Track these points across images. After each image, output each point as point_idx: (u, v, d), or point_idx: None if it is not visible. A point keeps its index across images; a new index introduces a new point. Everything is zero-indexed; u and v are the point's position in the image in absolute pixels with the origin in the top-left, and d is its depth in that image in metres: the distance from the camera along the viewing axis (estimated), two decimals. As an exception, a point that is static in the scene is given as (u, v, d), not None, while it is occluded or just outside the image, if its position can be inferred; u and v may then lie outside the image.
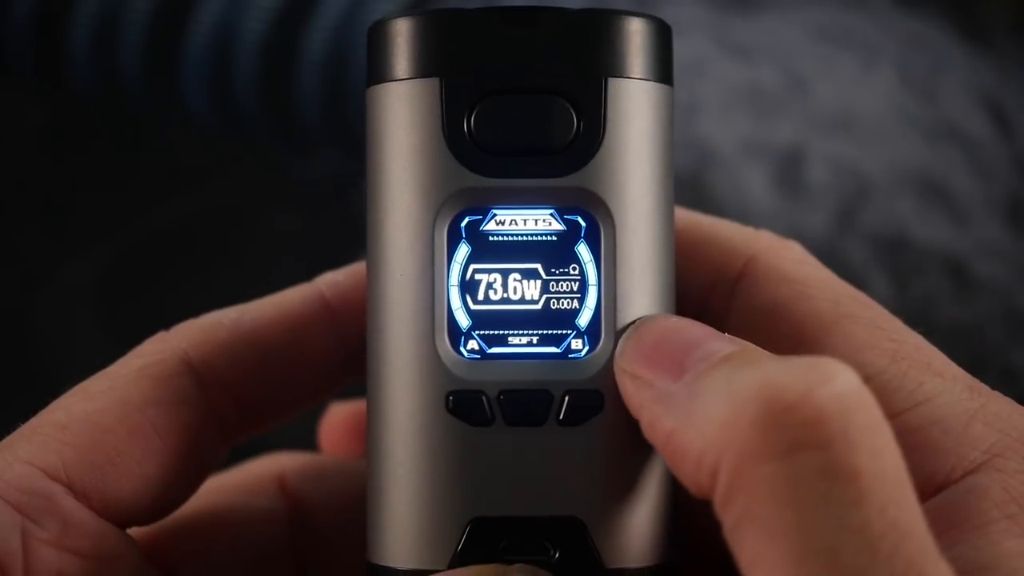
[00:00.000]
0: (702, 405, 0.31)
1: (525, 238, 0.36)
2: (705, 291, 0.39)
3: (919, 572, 0.28)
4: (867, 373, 0.35)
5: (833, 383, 0.30)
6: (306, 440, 0.47)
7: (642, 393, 0.33)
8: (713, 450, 0.30)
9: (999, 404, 0.35)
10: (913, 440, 0.34)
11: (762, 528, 0.29)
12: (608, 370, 0.35)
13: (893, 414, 0.35)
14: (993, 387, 0.36)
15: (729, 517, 0.30)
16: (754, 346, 0.33)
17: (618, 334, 0.35)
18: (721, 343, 0.33)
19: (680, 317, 0.35)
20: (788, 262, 0.38)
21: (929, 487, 0.34)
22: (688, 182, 0.75)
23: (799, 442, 0.29)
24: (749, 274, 0.38)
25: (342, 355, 0.39)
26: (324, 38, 0.76)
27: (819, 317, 0.37)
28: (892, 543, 0.28)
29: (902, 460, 0.30)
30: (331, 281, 0.40)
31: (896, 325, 0.37)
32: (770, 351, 0.37)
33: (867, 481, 0.29)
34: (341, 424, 0.46)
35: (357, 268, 0.40)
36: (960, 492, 0.33)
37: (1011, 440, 0.34)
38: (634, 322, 0.35)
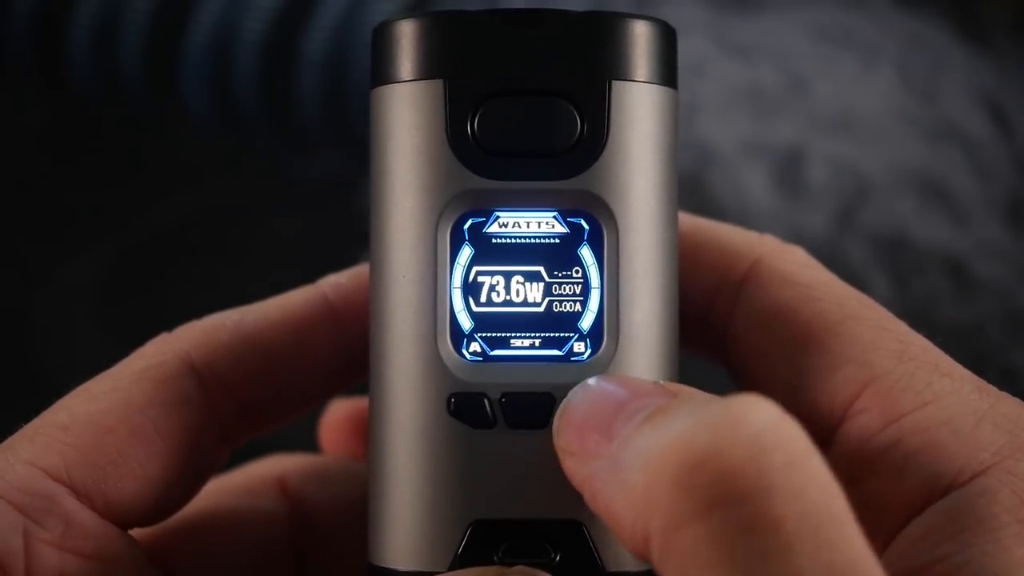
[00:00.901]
0: (627, 475, 0.30)
1: (528, 240, 0.36)
2: (708, 295, 0.39)
3: None
4: (874, 373, 0.35)
5: (744, 427, 0.29)
6: (307, 441, 0.47)
7: (580, 470, 0.32)
8: (641, 519, 0.29)
9: (1008, 405, 0.35)
10: (921, 440, 0.34)
11: None
12: (611, 373, 0.35)
13: (901, 414, 0.34)
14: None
15: None
16: (684, 394, 0.32)
17: (621, 337, 0.35)
18: (645, 400, 0.32)
19: (609, 378, 0.34)
20: (792, 265, 0.38)
21: (937, 487, 0.34)
22: (688, 182, 0.75)
23: (715, 500, 0.28)
24: (753, 277, 0.38)
25: (345, 357, 0.39)
26: (324, 38, 0.76)
27: (824, 319, 0.37)
28: None
29: (836, 490, 0.29)
30: (334, 283, 0.40)
31: (902, 327, 0.37)
32: (776, 354, 0.37)
33: (792, 527, 0.28)
34: (341, 421, 0.46)
35: (360, 270, 0.40)
36: (969, 494, 0.33)
37: (1021, 442, 0.34)
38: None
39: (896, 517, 0.34)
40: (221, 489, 0.42)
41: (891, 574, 0.32)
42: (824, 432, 0.36)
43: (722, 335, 0.39)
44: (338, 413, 0.46)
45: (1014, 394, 0.36)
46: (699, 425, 0.29)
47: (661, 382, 0.33)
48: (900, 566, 0.33)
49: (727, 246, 0.39)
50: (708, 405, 0.30)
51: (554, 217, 0.36)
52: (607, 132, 0.35)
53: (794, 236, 0.40)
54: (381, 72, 0.36)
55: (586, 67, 0.35)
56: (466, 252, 0.36)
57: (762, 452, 0.28)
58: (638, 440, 0.30)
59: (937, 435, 0.34)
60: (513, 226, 0.36)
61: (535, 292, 0.36)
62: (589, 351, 0.36)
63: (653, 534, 0.29)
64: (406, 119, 0.35)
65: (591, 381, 0.34)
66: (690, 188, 0.75)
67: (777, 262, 0.38)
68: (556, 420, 0.33)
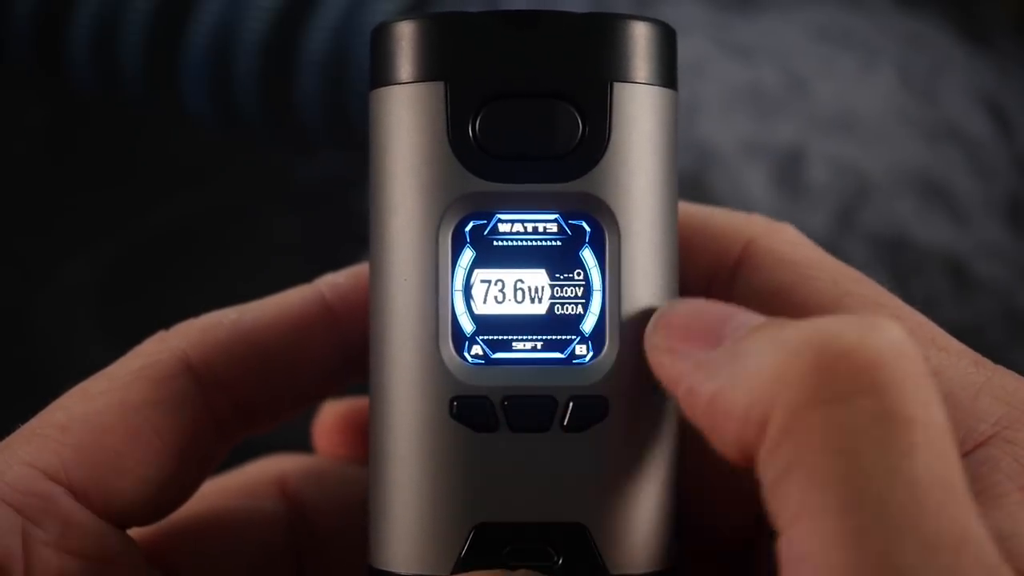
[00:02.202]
0: (748, 363, 0.30)
1: (529, 243, 0.36)
2: (704, 280, 0.39)
3: (962, 529, 0.28)
4: None
5: (884, 332, 0.29)
6: (306, 442, 0.47)
7: (679, 364, 0.33)
8: (762, 402, 0.30)
9: (1005, 378, 0.35)
10: None
11: (811, 475, 0.28)
12: (613, 376, 0.35)
13: None
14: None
15: (774, 468, 0.29)
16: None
17: (623, 339, 0.35)
18: (753, 316, 0.32)
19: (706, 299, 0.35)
20: (785, 244, 0.38)
21: None
22: (688, 182, 0.75)
23: (854, 388, 0.29)
24: (747, 260, 0.38)
25: (342, 356, 0.39)
26: (324, 38, 0.76)
27: (820, 298, 0.37)
28: (939, 498, 0.28)
29: (947, 414, 0.30)
30: (331, 282, 0.40)
31: (896, 302, 0.37)
32: None
33: (920, 431, 0.28)
34: (334, 423, 0.46)
35: (358, 270, 0.40)
36: (972, 464, 0.33)
37: (1019, 412, 0.34)
38: (657, 309, 0.35)
39: None
40: (220, 489, 0.42)
41: None
42: None
43: None
44: (330, 415, 0.46)
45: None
46: (841, 321, 0.30)
47: None
48: None
49: (718, 231, 0.39)
50: (845, 316, 0.31)
51: (555, 219, 0.36)
52: (608, 134, 0.35)
53: (794, 237, 0.40)
54: (381, 73, 0.36)
55: (587, 69, 0.35)
56: (467, 255, 0.36)
57: (900, 357, 0.29)
58: (763, 335, 0.31)
59: None
60: (515, 228, 0.36)
61: (537, 295, 0.36)
62: (591, 354, 0.35)
63: (775, 416, 0.29)
64: (407, 121, 0.35)
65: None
66: (690, 188, 0.75)
67: (770, 242, 0.38)
68: (653, 321, 0.34)
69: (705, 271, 0.39)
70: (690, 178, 0.75)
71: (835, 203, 0.77)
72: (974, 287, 0.75)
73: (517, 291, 0.36)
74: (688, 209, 0.40)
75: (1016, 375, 0.35)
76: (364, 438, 0.44)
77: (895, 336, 0.30)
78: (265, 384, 0.39)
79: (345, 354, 0.39)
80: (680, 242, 0.38)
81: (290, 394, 0.40)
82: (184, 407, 0.37)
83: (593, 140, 0.35)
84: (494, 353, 0.36)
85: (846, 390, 0.29)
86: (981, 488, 0.32)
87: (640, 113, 0.35)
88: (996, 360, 0.36)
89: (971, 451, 0.33)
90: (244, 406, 0.39)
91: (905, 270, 0.75)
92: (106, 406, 0.36)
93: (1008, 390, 0.34)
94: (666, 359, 0.33)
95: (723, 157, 0.77)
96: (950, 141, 0.79)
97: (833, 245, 0.73)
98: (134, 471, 0.36)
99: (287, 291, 0.40)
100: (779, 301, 0.37)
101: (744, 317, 0.32)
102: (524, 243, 0.36)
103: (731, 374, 0.31)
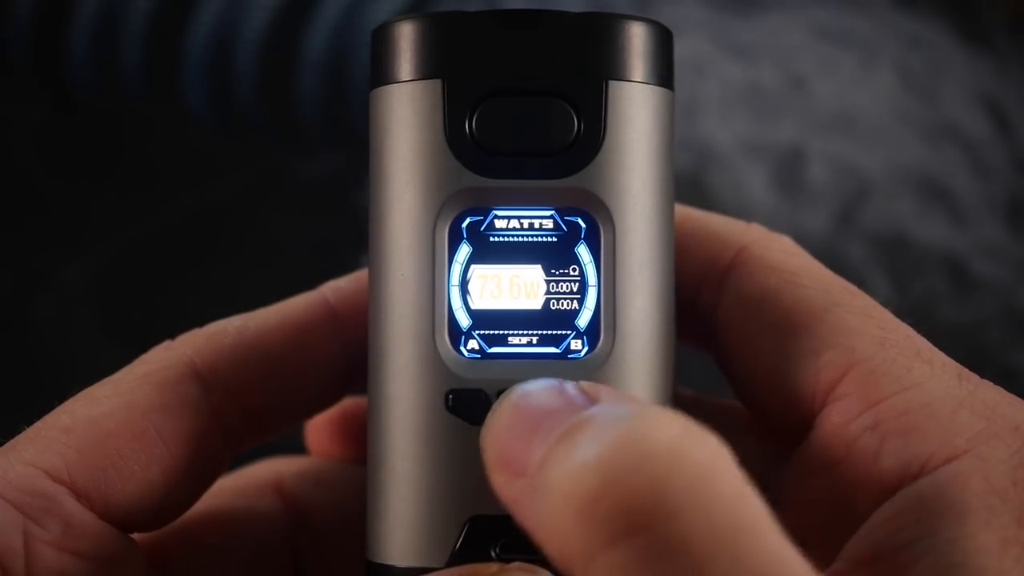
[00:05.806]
0: (542, 504, 0.30)
1: (525, 239, 0.36)
2: (695, 283, 0.39)
3: None
4: (856, 358, 0.35)
5: (640, 451, 0.28)
6: (303, 444, 0.47)
7: (505, 492, 0.32)
8: (559, 548, 0.29)
9: (987, 392, 0.35)
10: (898, 424, 0.34)
11: None
12: (608, 370, 0.35)
13: (880, 398, 0.34)
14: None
15: None
16: (601, 406, 0.31)
17: (618, 334, 0.35)
18: (561, 416, 0.31)
19: (532, 385, 0.33)
20: (778, 253, 0.39)
21: (910, 471, 0.34)
22: (688, 182, 0.75)
23: (620, 530, 0.28)
24: (739, 265, 0.38)
25: (347, 362, 0.39)
26: (324, 38, 0.76)
27: (809, 305, 0.37)
28: None
29: (744, 499, 0.28)
30: (335, 287, 0.40)
31: (885, 315, 0.37)
32: (762, 339, 0.37)
33: (700, 547, 0.27)
34: (326, 423, 0.46)
35: (361, 275, 0.40)
36: (941, 479, 0.33)
37: (997, 428, 0.33)
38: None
39: (869, 500, 0.34)
40: (219, 491, 0.42)
41: (855, 557, 0.33)
42: (806, 417, 0.36)
43: (709, 322, 0.39)
44: (323, 416, 0.46)
45: (1014, 393, 0.36)
46: (598, 453, 0.29)
47: (583, 384, 0.32)
48: (866, 547, 0.33)
49: (714, 235, 0.39)
50: (611, 427, 0.29)
51: (551, 216, 0.36)
52: (604, 131, 0.35)
53: (794, 236, 0.40)
54: (380, 73, 0.36)
55: (583, 67, 0.35)
56: (464, 250, 0.36)
57: (660, 477, 0.28)
58: (551, 466, 0.30)
59: (914, 419, 0.34)
60: (511, 224, 0.36)
61: (533, 290, 0.36)
62: (586, 348, 0.36)
63: (574, 563, 0.29)
64: (405, 118, 0.36)
65: (515, 389, 0.33)
66: (690, 188, 0.75)
67: (762, 250, 0.38)
68: (481, 433, 0.33)
69: (697, 273, 0.39)
70: (690, 178, 0.76)
71: (835, 203, 0.77)
72: (974, 287, 0.75)
73: (513, 286, 0.36)
74: (689, 212, 0.40)
75: (1000, 389, 0.35)
76: (356, 439, 0.44)
77: (650, 451, 0.28)
78: (271, 390, 0.39)
79: (350, 359, 0.39)
80: (677, 242, 0.38)
81: (296, 400, 0.40)
82: (190, 412, 0.37)
83: (588, 137, 0.35)
84: (490, 347, 0.36)
85: (614, 535, 0.28)
86: (946, 504, 0.32)
87: (635, 111, 0.36)
88: (996, 360, 0.36)
89: (942, 465, 0.33)
90: (250, 412, 0.39)
91: (905, 270, 0.75)
92: (111, 409, 0.36)
93: (989, 405, 0.34)
94: (496, 480, 0.32)
95: (723, 157, 0.77)
96: (950, 141, 0.79)
97: (833, 245, 0.74)
98: (137, 474, 0.36)
99: (292, 298, 0.40)
100: (766, 306, 0.37)
101: (548, 424, 0.31)
102: (520, 239, 0.36)
103: (534, 513, 0.30)
